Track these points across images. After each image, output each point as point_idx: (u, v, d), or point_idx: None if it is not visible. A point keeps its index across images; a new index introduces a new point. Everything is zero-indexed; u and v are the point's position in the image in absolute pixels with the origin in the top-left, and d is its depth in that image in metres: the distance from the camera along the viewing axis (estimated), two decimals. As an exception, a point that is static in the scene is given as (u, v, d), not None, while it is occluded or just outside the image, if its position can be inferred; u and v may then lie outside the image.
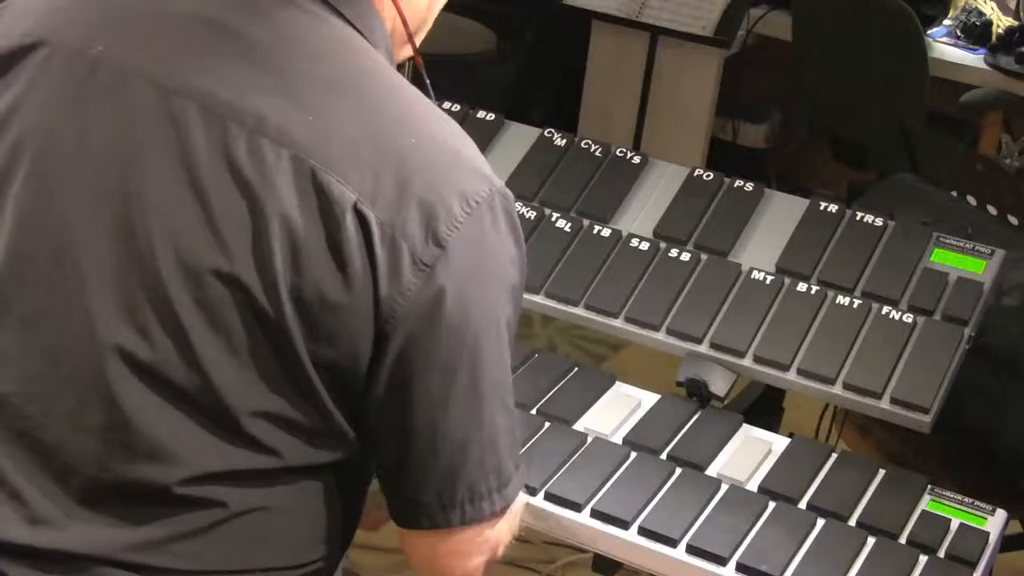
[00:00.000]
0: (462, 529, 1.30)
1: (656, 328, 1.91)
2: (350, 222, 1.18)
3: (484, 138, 2.18)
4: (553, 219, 2.05)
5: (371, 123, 1.22)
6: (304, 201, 1.18)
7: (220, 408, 1.22)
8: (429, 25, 1.41)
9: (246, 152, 1.19)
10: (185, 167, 1.20)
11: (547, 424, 1.81)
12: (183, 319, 1.20)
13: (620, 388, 1.91)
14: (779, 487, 1.72)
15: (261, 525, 1.28)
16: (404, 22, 1.34)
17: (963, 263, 1.92)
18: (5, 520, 1.23)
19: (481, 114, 2.22)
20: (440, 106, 2.21)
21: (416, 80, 1.34)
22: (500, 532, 1.35)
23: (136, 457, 1.22)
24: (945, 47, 4.17)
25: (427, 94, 1.32)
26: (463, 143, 1.28)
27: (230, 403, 1.22)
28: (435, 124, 1.27)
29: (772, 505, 1.70)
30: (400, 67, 1.38)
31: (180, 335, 1.20)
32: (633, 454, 1.77)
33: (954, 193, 2.32)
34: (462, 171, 1.24)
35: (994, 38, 4.13)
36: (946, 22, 4.27)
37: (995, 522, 1.69)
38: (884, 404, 1.79)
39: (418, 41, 1.39)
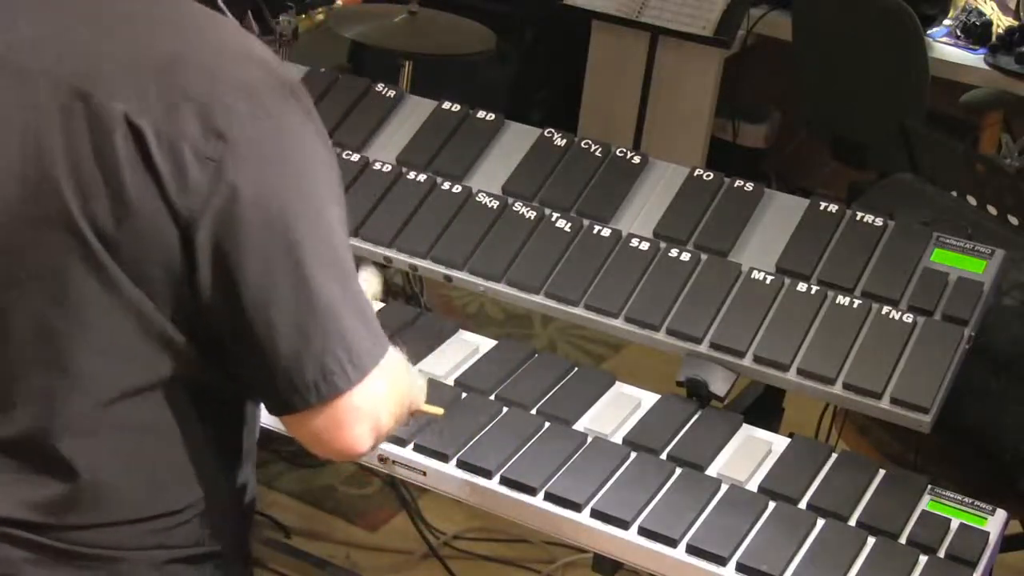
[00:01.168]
0: (325, 405, 1.31)
1: (656, 328, 1.91)
2: (122, 135, 1.22)
3: (484, 138, 2.18)
4: (553, 219, 2.05)
5: (145, 40, 1.27)
6: (77, 126, 1.23)
7: (54, 351, 1.27)
8: None
9: (19, 92, 1.25)
10: None
11: (547, 424, 1.81)
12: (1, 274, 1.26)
13: (620, 388, 1.92)
14: (779, 487, 1.72)
15: (126, 466, 1.32)
16: None
17: (963, 263, 1.92)
18: None
19: (481, 114, 2.22)
20: (440, 106, 2.24)
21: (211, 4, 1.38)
22: (377, 401, 1.34)
23: (5, 409, 1.29)
24: (945, 47, 4.17)
25: (218, 10, 1.35)
26: (246, 44, 1.31)
27: (61, 343, 1.27)
28: (211, 30, 1.30)
29: (772, 505, 1.70)
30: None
31: (7, 290, 1.26)
32: (633, 454, 1.77)
33: (954, 193, 2.32)
34: (239, 66, 1.27)
35: (994, 38, 4.14)
36: (946, 22, 4.27)
37: (995, 522, 1.69)
38: (884, 404, 1.79)
39: None
